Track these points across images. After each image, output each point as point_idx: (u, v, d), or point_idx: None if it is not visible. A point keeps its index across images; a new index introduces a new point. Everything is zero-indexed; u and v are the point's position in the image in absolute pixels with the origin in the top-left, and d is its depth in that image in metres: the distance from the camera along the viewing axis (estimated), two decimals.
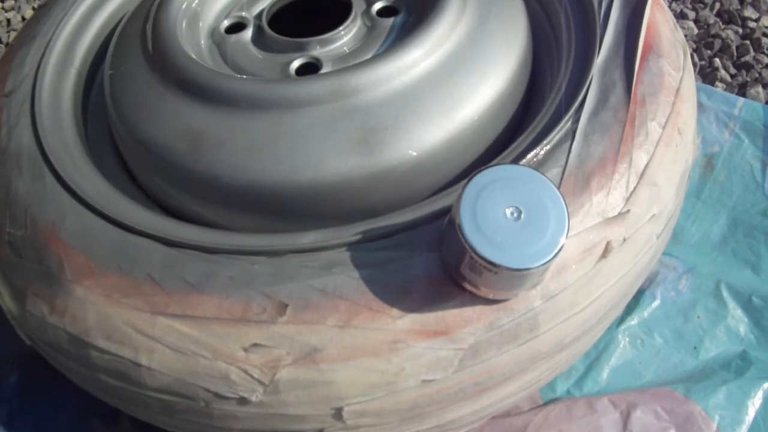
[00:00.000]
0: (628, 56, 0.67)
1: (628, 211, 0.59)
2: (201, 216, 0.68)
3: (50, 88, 0.77)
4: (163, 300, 0.57)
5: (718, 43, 1.19)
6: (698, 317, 0.85)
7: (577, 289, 0.57)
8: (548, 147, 0.62)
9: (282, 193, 0.64)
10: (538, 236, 0.50)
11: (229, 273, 0.57)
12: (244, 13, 0.81)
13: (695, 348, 0.83)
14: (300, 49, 0.74)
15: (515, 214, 0.51)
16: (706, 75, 1.15)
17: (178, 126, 0.67)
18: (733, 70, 1.15)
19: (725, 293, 0.86)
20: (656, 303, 0.86)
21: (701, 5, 1.27)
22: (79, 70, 0.82)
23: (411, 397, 0.55)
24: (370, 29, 0.76)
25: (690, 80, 0.70)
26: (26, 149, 0.70)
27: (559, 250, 0.50)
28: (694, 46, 1.20)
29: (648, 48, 0.68)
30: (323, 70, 0.71)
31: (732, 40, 1.19)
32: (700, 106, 0.99)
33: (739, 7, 1.25)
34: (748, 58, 1.16)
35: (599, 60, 0.67)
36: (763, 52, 1.16)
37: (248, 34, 0.78)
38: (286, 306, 0.55)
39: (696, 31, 1.23)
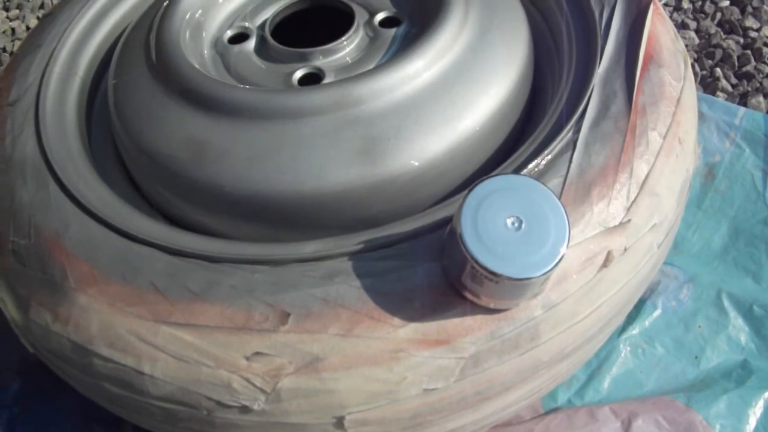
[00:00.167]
0: (629, 66, 0.67)
1: (629, 220, 0.60)
2: (204, 225, 0.69)
3: (54, 97, 0.78)
4: (166, 308, 0.57)
5: (719, 53, 1.19)
6: (699, 327, 0.85)
7: (578, 298, 0.57)
8: (549, 157, 0.62)
9: (285, 203, 0.64)
10: (539, 246, 0.50)
11: (231, 282, 0.57)
12: (247, 24, 0.81)
13: (696, 357, 0.83)
14: (303, 59, 0.74)
15: (516, 224, 0.51)
16: (708, 85, 1.15)
17: (182, 135, 0.68)
18: (734, 80, 1.15)
19: (726, 302, 0.86)
20: (657, 312, 0.86)
21: (702, 15, 1.28)
22: (83, 79, 0.83)
23: (412, 406, 0.55)
24: (373, 40, 0.76)
25: (691, 90, 0.70)
26: (30, 158, 0.71)
27: (560, 260, 0.50)
28: (696, 56, 1.20)
29: (649, 58, 0.68)
30: (326, 81, 0.72)
31: (733, 50, 1.19)
32: (701, 116, 0.99)
33: (740, 17, 1.26)
34: (749, 68, 1.16)
35: (600, 70, 0.67)
36: (764, 62, 1.17)
37: (251, 44, 0.79)
38: (288, 315, 0.55)
39: (697, 41, 1.24)
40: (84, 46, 0.84)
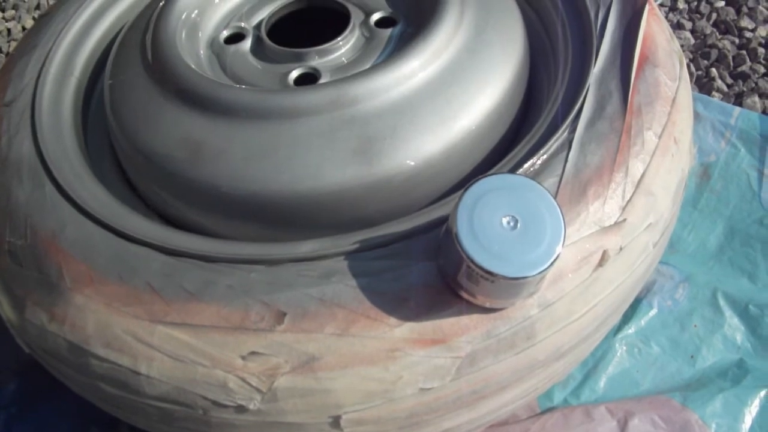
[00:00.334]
0: (625, 66, 0.67)
1: (625, 220, 0.60)
2: (200, 225, 0.69)
3: (50, 97, 0.78)
4: (162, 308, 0.57)
5: (714, 53, 1.19)
6: (695, 326, 0.85)
7: (574, 297, 0.57)
8: (545, 156, 0.62)
9: (281, 203, 0.64)
10: (535, 245, 0.50)
11: (227, 282, 0.57)
12: (243, 24, 0.81)
13: (692, 357, 0.83)
14: (299, 59, 0.75)
15: (512, 223, 0.51)
16: (703, 85, 1.16)
17: (178, 135, 0.68)
18: (729, 80, 1.16)
19: (722, 302, 0.86)
20: (653, 312, 0.86)
21: (698, 16, 1.28)
22: (79, 79, 0.82)
23: (408, 405, 0.55)
24: (369, 40, 0.76)
25: (686, 90, 0.71)
26: (26, 158, 0.71)
27: (556, 259, 0.50)
28: (691, 56, 1.21)
29: (644, 58, 0.68)
30: (322, 81, 0.72)
31: (728, 50, 1.19)
32: (697, 116, 0.99)
33: (735, 17, 1.26)
34: (744, 68, 1.16)
35: (596, 70, 0.67)
36: (760, 62, 1.17)
37: (247, 44, 0.79)
38: (284, 314, 0.55)
39: (693, 41, 1.24)
40: (80, 47, 0.84)
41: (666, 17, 1.27)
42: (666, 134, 0.65)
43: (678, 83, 0.69)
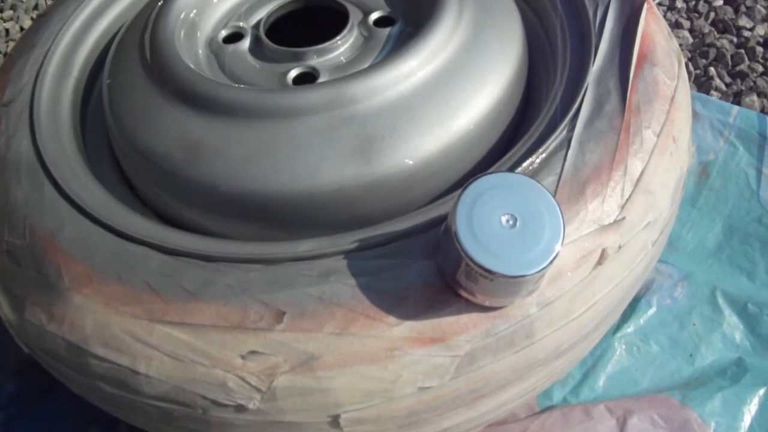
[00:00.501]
0: (623, 65, 0.67)
1: (624, 218, 0.60)
2: (199, 224, 0.68)
3: (49, 97, 0.78)
4: (161, 308, 0.57)
5: (713, 52, 1.20)
6: (694, 324, 0.85)
7: (573, 296, 0.57)
8: (544, 155, 0.62)
9: (280, 202, 0.64)
10: (534, 243, 0.50)
11: (226, 281, 0.57)
12: (241, 23, 0.81)
13: (691, 355, 0.83)
14: (297, 58, 0.75)
15: (511, 222, 0.51)
16: (701, 84, 1.16)
17: (176, 135, 0.68)
18: (727, 79, 1.16)
19: (721, 300, 0.86)
20: (652, 310, 0.86)
21: (696, 15, 1.28)
22: (77, 79, 0.82)
23: (408, 404, 0.55)
24: (367, 39, 0.76)
25: (685, 89, 0.71)
26: (25, 158, 0.70)
27: (555, 258, 0.50)
28: (689, 55, 1.21)
29: (643, 57, 0.68)
30: (320, 80, 0.72)
31: (727, 49, 1.19)
32: (695, 115, 0.99)
33: (733, 16, 1.26)
34: (742, 66, 1.16)
35: (594, 69, 0.67)
36: (758, 61, 1.17)
37: (246, 43, 0.78)
38: (283, 313, 0.55)
39: (691, 40, 1.24)
40: (78, 47, 0.84)
41: (664, 16, 1.28)
42: (665, 133, 0.65)
43: (676, 82, 0.69)
